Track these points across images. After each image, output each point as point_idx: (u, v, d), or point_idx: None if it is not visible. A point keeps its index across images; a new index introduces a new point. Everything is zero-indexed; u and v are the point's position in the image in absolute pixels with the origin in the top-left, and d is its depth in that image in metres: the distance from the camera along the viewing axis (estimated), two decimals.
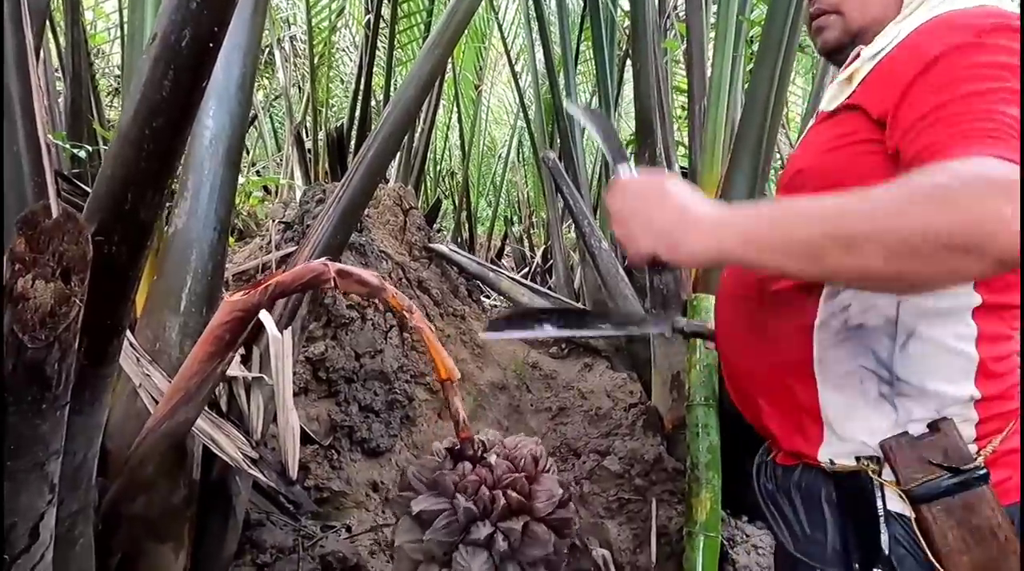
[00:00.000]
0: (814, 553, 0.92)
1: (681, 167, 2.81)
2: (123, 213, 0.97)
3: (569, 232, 4.85)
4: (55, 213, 0.81)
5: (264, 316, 1.75)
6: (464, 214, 6.90)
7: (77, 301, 0.80)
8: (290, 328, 1.71)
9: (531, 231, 8.44)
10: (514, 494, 1.37)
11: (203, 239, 1.50)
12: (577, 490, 2.41)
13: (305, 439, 2.21)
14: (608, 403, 2.71)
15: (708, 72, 2.47)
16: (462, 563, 1.33)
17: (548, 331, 1.35)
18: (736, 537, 2.17)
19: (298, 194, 4.09)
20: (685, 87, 2.82)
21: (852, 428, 0.85)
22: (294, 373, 2.33)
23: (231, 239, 3.79)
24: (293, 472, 1.58)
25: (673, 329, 1.36)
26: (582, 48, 5.14)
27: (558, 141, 4.03)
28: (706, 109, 2.38)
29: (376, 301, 2.50)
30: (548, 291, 3.29)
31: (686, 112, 2.72)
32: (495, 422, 2.62)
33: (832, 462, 0.88)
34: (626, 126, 5.53)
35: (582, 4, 4.73)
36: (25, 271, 0.75)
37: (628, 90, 4.30)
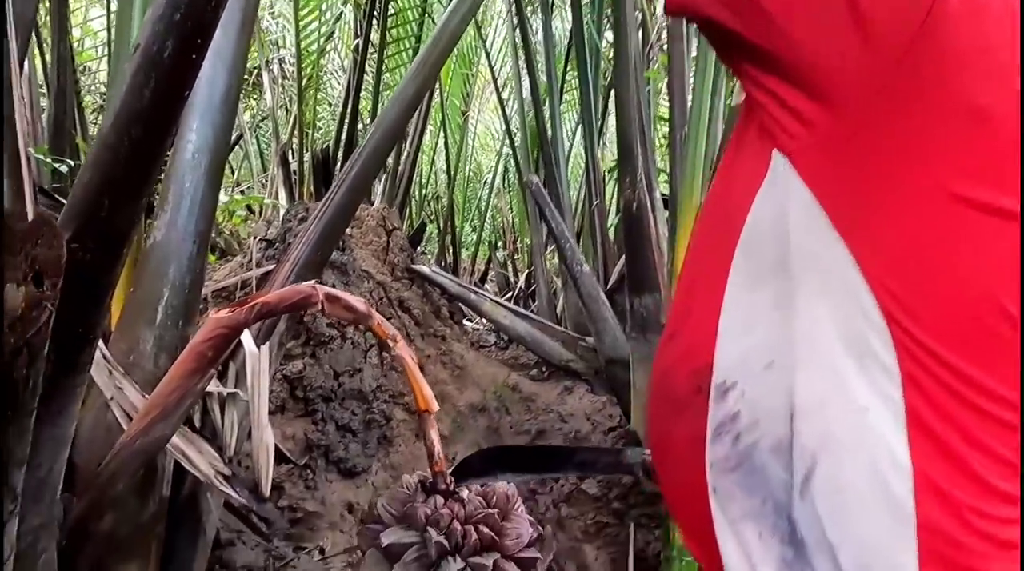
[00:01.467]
0: None
1: (662, 193, 2.85)
2: (99, 219, 0.97)
3: (552, 257, 4.87)
4: (30, 217, 0.81)
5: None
6: (448, 238, 6.92)
7: (49, 306, 0.80)
8: (267, 344, 1.70)
9: (515, 257, 8.48)
10: (486, 530, 1.37)
11: (182, 252, 1.50)
12: (555, 513, 2.40)
13: (280, 458, 2.18)
14: (587, 426, 2.71)
15: (688, 103, 2.53)
16: None
17: (514, 476, 1.33)
18: None
19: (281, 213, 4.09)
20: (668, 117, 2.87)
21: None
22: (271, 391, 2.30)
23: (212, 257, 3.77)
24: (266, 490, 1.55)
25: (643, 469, 1.23)
26: (568, 77, 5.22)
27: (543, 167, 4.08)
28: (686, 138, 2.42)
29: None
30: (530, 314, 3.30)
31: (668, 141, 2.78)
32: (473, 444, 2.60)
33: None
34: (609, 154, 5.62)
35: (568, 34, 4.83)
36: None
37: (613, 119, 4.39)
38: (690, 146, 2.47)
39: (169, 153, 1.52)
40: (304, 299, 1.34)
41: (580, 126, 4.37)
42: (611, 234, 3.95)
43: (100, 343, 1.49)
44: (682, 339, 0.70)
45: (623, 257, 3.56)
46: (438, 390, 2.63)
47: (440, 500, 1.35)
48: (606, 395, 2.86)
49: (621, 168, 2.54)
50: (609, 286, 3.32)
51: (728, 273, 0.61)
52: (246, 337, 1.70)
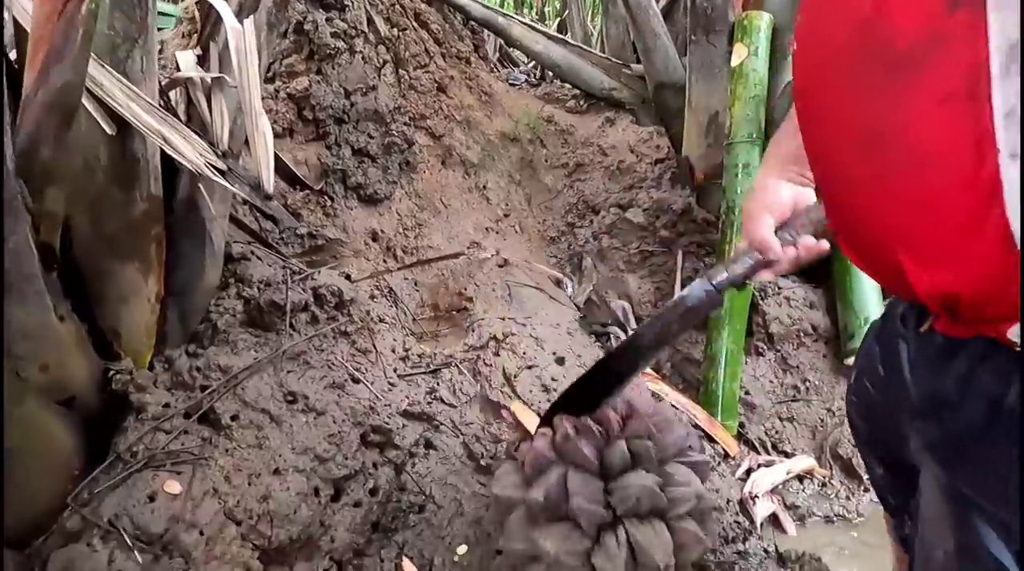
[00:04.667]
0: (977, 481, 0.65)
1: None
2: None
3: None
4: None
5: (218, 3, 1.42)
6: None
7: None
8: (252, 19, 1.38)
9: (544, 21, 7.72)
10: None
11: None
12: (595, 245, 2.22)
13: (294, 183, 1.97)
14: (632, 158, 2.44)
15: None
16: None
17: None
18: (767, 288, 2.00)
19: None
20: None
21: None
22: (275, 112, 2.03)
23: None
24: (268, 185, 1.34)
25: (714, 285, 0.98)
26: None
27: None
28: None
29: (366, 30, 2.12)
30: (567, 39, 2.86)
31: None
32: (504, 174, 2.37)
33: None
34: None
35: None
36: None
37: None
38: None
39: None
40: None
41: None
42: None
43: None
44: None
45: None
46: (464, 115, 2.34)
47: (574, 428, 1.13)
48: (652, 126, 2.55)
49: None
50: (660, 7, 2.82)
51: None
52: (224, 10, 1.39)
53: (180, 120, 1.34)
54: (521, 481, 1.12)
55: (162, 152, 1.28)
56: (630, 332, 2.04)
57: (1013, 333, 0.59)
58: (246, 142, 1.44)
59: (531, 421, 1.17)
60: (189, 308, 1.46)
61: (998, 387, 0.62)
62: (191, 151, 1.27)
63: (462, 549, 1.38)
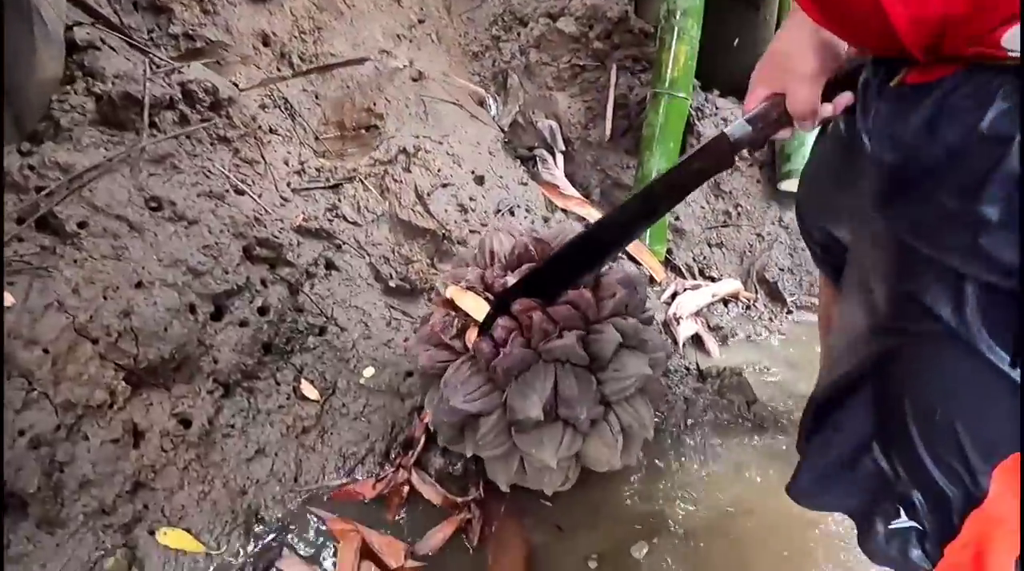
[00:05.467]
0: (924, 228, 0.60)
1: None
2: None
3: None
4: None
5: None
6: None
7: None
8: None
9: None
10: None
11: None
12: (523, 61, 2.00)
13: None
14: None
15: None
16: None
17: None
18: (704, 108, 1.86)
19: None
20: None
21: None
22: None
23: None
24: None
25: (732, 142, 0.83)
26: None
27: None
28: None
29: None
30: None
31: None
32: None
33: None
34: None
35: None
36: None
37: None
38: None
39: None
40: None
41: None
42: None
43: None
44: None
45: None
46: None
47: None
48: None
49: None
50: None
51: None
52: None
53: None
54: (486, 386, 0.98)
55: None
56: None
57: (1008, 40, 0.53)
58: None
59: (473, 306, 1.01)
60: (21, 102, 1.19)
61: (973, 112, 0.57)
62: None
63: (369, 372, 1.28)
